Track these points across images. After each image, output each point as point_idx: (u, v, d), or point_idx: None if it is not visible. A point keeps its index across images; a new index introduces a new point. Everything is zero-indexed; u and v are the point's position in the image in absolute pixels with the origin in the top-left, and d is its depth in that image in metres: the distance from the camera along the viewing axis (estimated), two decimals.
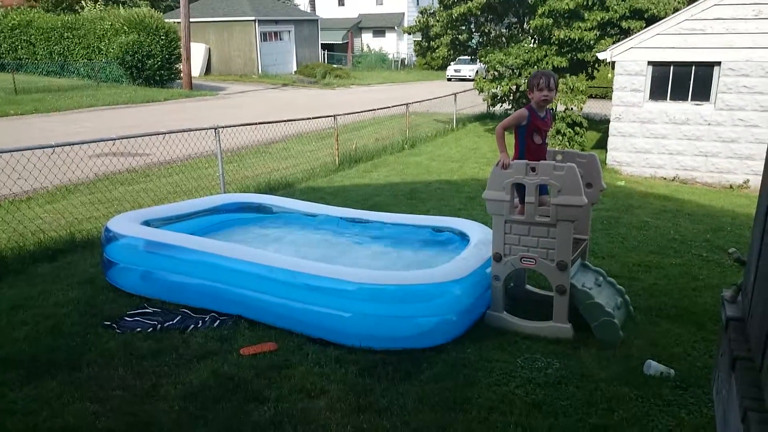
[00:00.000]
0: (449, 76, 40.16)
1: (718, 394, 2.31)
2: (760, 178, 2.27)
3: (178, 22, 28.80)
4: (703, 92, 12.22)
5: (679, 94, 12.45)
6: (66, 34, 31.49)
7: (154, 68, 28.12)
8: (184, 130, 8.94)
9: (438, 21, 18.29)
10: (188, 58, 28.65)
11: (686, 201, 10.15)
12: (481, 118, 20.64)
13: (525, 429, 3.36)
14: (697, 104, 12.30)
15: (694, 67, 12.17)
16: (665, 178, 12.75)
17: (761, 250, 2.03)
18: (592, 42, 14.92)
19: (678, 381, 3.87)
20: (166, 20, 29.83)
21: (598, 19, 14.75)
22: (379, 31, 53.63)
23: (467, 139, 16.48)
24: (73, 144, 7.30)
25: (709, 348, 4.35)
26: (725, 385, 2.11)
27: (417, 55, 51.03)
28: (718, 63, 11.86)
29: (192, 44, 31.07)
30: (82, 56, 30.97)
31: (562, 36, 14.84)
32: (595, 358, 4.18)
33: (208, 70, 38.94)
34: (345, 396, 3.69)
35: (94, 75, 28.83)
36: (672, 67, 12.37)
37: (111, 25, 29.38)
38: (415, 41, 45.08)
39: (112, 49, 28.44)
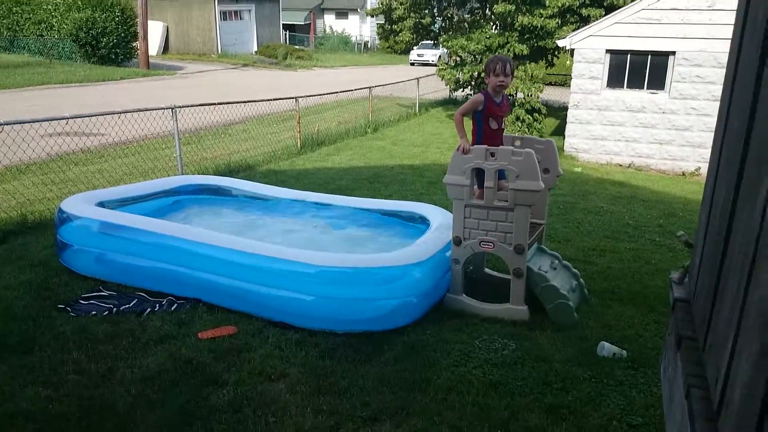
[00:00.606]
0: (412, 61, 40.13)
1: (665, 372, 2.40)
2: None
3: None
4: (658, 81, 12.52)
5: (636, 83, 12.73)
6: (15, 8, 30.23)
7: (109, 46, 27.25)
8: (140, 110, 8.74)
9: (401, 4, 18.21)
10: (145, 36, 27.85)
11: (641, 187, 10.42)
12: (444, 103, 20.70)
13: (482, 408, 3.44)
14: (653, 93, 12.59)
15: (650, 56, 12.45)
16: (621, 165, 13.05)
17: (707, 234, 2.11)
18: (553, 30, 15.07)
19: (630, 362, 4.00)
20: None
21: (559, 5, 14.89)
22: (341, 13, 53.11)
23: (429, 124, 16.53)
24: (24, 122, 7.07)
25: (659, 330, 4.50)
26: (671, 363, 2.19)
27: (380, 39, 50.76)
28: (673, 53, 12.15)
29: (149, 22, 30.22)
30: (32, 32, 29.80)
31: (525, 22, 14.95)
32: (551, 339, 4.29)
33: (165, 48, 37.95)
34: (305, 378, 3.70)
35: (46, 52, 27.80)
36: (629, 56, 12.63)
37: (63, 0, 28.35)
38: (378, 24, 44.82)
39: (65, 24, 27.45)
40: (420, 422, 3.30)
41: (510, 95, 15.82)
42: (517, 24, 15.24)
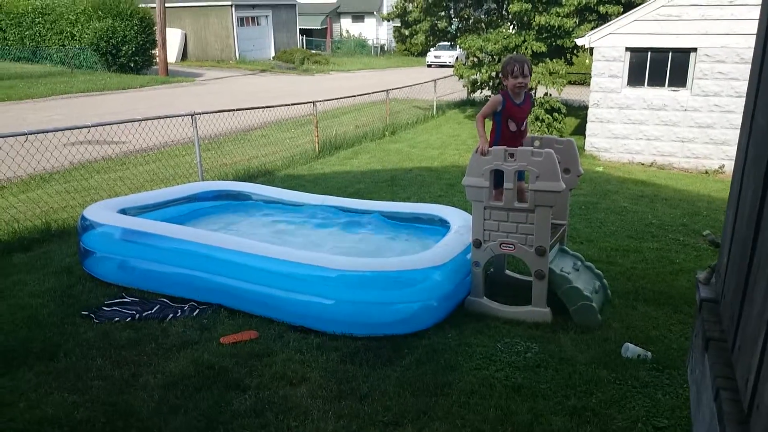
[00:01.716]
0: (429, 63, 40.11)
1: (692, 374, 2.36)
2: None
3: (153, 8, 28.33)
4: (679, 78, 12.34)
5: (657, 80, 12.56)
6: (37, 19, 30.81)
7: (129, 54, 27.65)
8: (160, 117, 8.83)
9: (416, 7, 18.19)
10: (164, 44, 28.23)
11: (663, 186, 10.28)
12: (461, 104, 20.64)
13: (505, 412, 3.40)
14: (674, 90, 12.42)
15: (671, 53, 12.28)
16: (643, 164, 12.88)
17: (734, 232, 2.06)
18: (571, 29, 14.94)
19: (654, 363, 3.94)
20: (141, 5, 29.30)
21: (576, 3, 14.75)
22: (358, 17, 53.26)
23: (447, 125, 16.48)
24: (47, 131, 7.17)
25: (684, 330, 4.42)
26: (699, 365, 2.15)
27: (396, 41, 50.88)
28: (695, 49, 11.97)
29: (168, 30, 30.61)
30: (54, 42, 30.33)
31: (542, 22, 14.85)
32: (574, 341, 4.23)
33: (184, 56, 38.40)
34: (326, 383, 3.70)
35: (67, 61, 28.28)
36: (649, 53, 12.47)
37: (83, 10, 28.79)
38: (394, 27, 44.94)
39: (86, 34, 27.91)
40: (442, 426, 3.28)
41: (530, 93, 15.69)
42: (534, 23, 15.14)
